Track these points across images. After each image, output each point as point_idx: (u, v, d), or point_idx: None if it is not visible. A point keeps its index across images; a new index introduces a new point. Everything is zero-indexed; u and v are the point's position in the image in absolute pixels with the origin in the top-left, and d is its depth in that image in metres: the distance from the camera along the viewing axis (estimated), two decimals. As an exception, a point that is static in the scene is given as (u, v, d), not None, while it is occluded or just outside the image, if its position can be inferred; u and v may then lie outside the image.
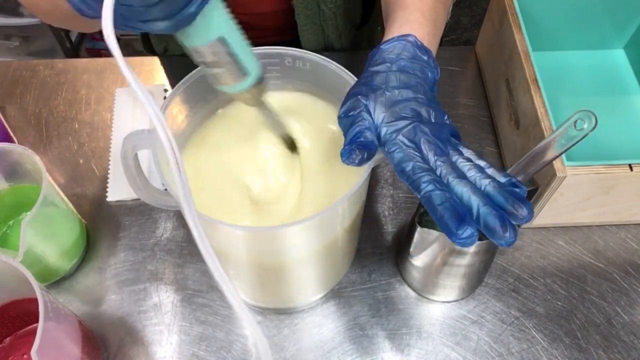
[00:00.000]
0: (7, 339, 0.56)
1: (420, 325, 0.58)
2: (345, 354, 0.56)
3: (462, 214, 0.35)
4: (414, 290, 0.60)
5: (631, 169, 0.54)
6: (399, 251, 0.61)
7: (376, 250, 0.62)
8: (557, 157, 0.45)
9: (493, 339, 0.57)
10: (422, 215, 0.54)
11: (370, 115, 0.40)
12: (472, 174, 0.37)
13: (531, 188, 0.51)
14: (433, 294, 0.59)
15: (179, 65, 0.78)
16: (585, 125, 0.42)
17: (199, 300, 0.59)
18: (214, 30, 0.37)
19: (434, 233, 0.49)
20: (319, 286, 0.56)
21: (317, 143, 0.52)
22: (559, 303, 0.59)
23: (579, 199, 0.58)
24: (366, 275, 0.61)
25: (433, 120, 0.40)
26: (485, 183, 0.37)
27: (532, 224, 0.63)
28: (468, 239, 0.35)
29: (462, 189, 0.36)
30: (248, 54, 0.40)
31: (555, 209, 0.60)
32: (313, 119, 0.53)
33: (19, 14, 1.58)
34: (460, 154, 0.39)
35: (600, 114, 0.72)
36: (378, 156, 0.40)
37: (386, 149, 0.39)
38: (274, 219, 0.47)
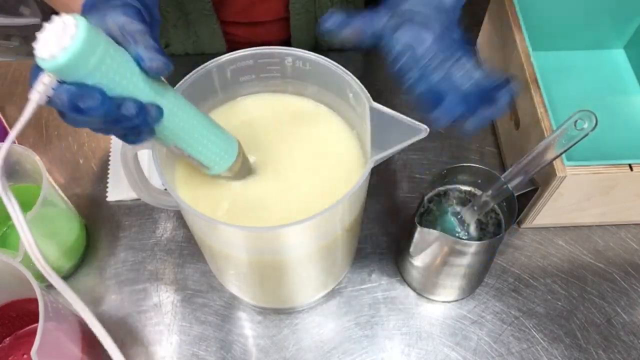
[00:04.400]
0: (7, 339, 0.56)
1: (420, 325, 0.58)
2: (345, 354, 0.56)
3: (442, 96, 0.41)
4: (414, 290, 0.60)
5: (631, 169, 0.54)
6: (398, 251, 0.61)
7: (376, 250, 0.62)
8: (557, 157, 0.45)
9: (493, 339, 0.57)
10: (422, 215, 0.54)
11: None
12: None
13: (531, 188, 0.51)
14: (433, 294, 0.59)
15: (180, 64, 0.78)
16: (586, 125, 0.42)
17: (199, 300, 0.59)
18: (169, 140, 0.41)
19: (434, 233, 0.49)
20: (319, 286, 0.56)
21: (318, 143, 0.52)
22: (559, 303, 0.59)
23: (579, 199, 0.58)
24: (366, 275, 0.61)
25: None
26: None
27: (532, 224, 0.63)
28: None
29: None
30: (208, 154, 0.43)
31: (555, 209, 0.60)
32: (313, 119, 0.53)
33: (19, 14, 1.59)
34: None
35: (600, 114, 0.71)
36: None
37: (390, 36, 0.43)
38: (273, 219, 0.47)
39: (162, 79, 0.40)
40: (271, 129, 0.53)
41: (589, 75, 0.75)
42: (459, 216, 0.53)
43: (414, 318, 0.58)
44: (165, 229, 0.64)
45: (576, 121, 0.43)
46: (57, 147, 0.71)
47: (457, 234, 0.53)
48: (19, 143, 0.70)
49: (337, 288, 0.60)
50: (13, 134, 0.35)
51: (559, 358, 0.56)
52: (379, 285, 0.60)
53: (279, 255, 0.47)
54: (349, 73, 0.47)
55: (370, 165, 0.42)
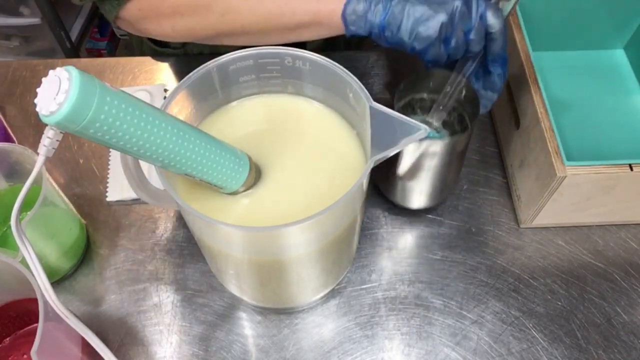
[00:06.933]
0: (7, 339, 0.56)
1: (420, 325, 0.58)
2: (345, 354, 0.56)
3: None
4: (397, 203, 0.62)
5: (631, 169, 0.54)
6: (383, 178, 0.62)
7: (376, 250, 0.62)
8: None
9: (493, 339, 0.57)
10: None
11: None
12: None
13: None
14: (411, 202, 0.60)
15: (180, 64, 0.78)
16: None
17: (199, 300, 0.59)
18: (180, 170, 0.42)
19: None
20: (319, 286, 0.56)
21: (317, 143, 0.52)
22: (559, 303, 0.59)
23: (579, 199, 0.58)
24: (366, 275, 0.61)
25: None
26: None
27: (532, 224, 0.63)
28: None
29: None
30: (220, 176, 0.44)
31: (555, 209, 0.60)
32: (313, 119, 0.53)
33: (19, 14, 1.59)
34: None
35: (601, 114, 0.72)
36: None
37: None
38: (273, 219, 0.47)
39: (166, 112, 0.41)
40: (270, 129, 0.53)
41: (589, 75, 0.75)
42: (428, 123, 0.55)
43: (413, 318, 0.58)
44: (166, 229, 0.64)
45: None
46: (57, 147, 0.71)
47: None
48: (18, 143, 0.70)
49: (337, 288, 0.60)
50: (24, 190, 0.39)
51: (559, 358, 0.56)
52: (379, 285, 0.60)
53: (278, 256, 0.47)
54: (349, 73, 0.47)
55: (370, 165, 0.42)
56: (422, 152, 0.52)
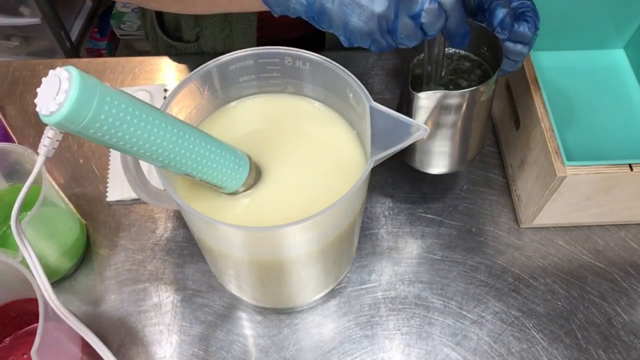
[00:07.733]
0: (7, 339, 0.56)
1: (420, 325, 0.58)
2: (345, 354, 0.56)
3: None
4: (416, 166, 0.58)
5: (631, 169, 0.54)
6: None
7: (376, 250, 0.62)
8: None
9: (493, 339, 0.57)
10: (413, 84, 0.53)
11: None
12: None
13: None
14: (431, 166, 0.57)
15: (182, 63, 0.78)
16: None
17: (199, 300, 0.59)
18: (180, 170, 0.42)
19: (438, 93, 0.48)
20: (319, 286, 0.56)
21: (317, 143, 0.52)
22: (559, 303, 0.59)
23: (579, 199, 0.58)
24: (366, 275, 0.61)
25: None
26: None
27: (532, 224, 0.63)
28: None
29: None
30: (220, 176, 0.44)
31: (555, 209, 0.60)
32: (313, 120, 0.53)
33: (19, 14, 1.59)
34: None
35: (600, 114, 0.72)
36: None
37: None
38: (273, 219, 0.47)
39: (166, 112, 0.41)
40: (271, 129, 0.53)
41: (589, 75, 0.75)
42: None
43: (414, 318, 0.58)
44: (166, 229, 0.64)
45: None
46: (57, 147, 0.71)
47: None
48: (18, 143, 0.70)
49: (337, 288, 0.60)
50: (24, 190, 0.39)
51: (559, 358, 0.56)
52: (379, 285, 0.60)
53: (278, 256, 0.47)
54: (349, 73, 0.47)
55: (370, 165, 0.42)
56: (436, 104, 0.48)
